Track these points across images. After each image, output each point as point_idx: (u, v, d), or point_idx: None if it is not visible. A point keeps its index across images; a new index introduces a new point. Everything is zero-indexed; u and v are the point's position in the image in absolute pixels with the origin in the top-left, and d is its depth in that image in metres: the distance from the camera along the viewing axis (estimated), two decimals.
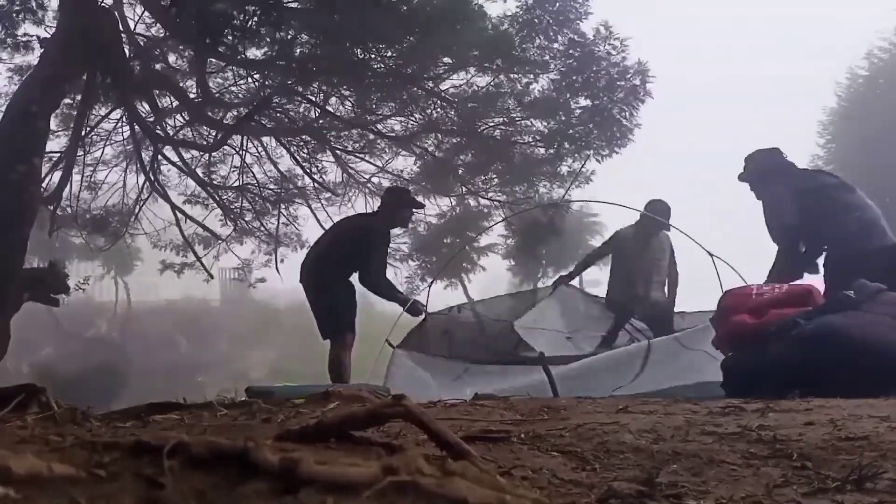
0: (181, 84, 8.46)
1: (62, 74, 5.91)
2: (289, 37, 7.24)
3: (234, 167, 9.82)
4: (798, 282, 4.56)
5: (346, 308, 5.33)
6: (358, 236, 5.40)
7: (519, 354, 5.69)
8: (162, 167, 9.24)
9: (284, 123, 8.94)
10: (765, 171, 4.84)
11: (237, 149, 9.45)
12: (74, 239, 11.91)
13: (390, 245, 7.41)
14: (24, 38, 6.88)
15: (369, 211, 8.35)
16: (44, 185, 7.07)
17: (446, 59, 7.77)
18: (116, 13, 7.15)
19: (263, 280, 11.59)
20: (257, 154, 9.70)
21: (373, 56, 7.53)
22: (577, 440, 1.49)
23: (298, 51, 7.63)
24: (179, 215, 9.56)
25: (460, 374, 5.23)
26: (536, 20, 7.63)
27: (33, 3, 6.70)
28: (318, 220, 10.08)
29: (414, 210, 6.28)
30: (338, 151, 9.84)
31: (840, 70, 17.71)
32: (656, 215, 6.09)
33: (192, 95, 8.36)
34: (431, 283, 8.07)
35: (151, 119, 8.33)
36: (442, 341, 6.04)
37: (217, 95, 8.47)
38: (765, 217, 4.79)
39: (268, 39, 7.12)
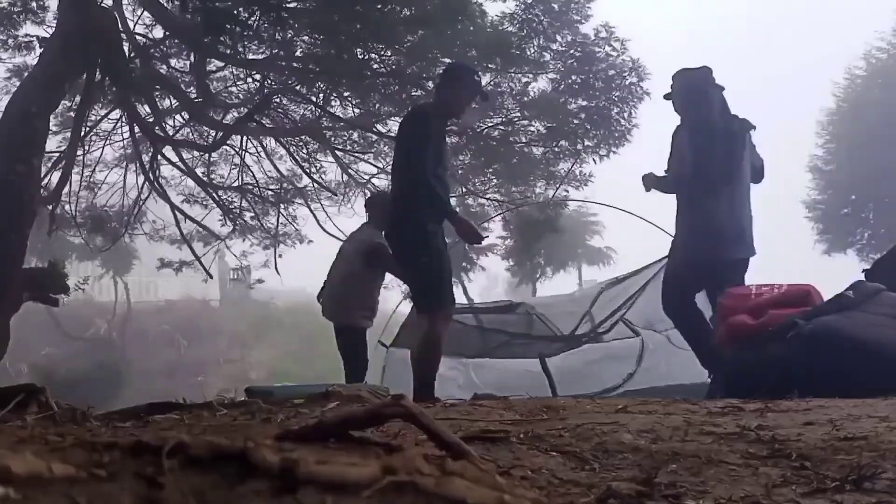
0: (181, 84, 8.45)
1: (62, 74, 5.90)
2: (289, 37, 7.24)
3: (234, 167, 9.83)
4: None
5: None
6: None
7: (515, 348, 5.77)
8: (162, 167, 9.25)
9: (284, 123, 8.93)
10: (692, 89, 4.32)
11: (237, 149, 9.45)
12: (74, 239, 11.89)
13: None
14: (24, 38, 6.88)
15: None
16: (43, 184, 7.06)
17: (446, 59, 7.76)
18: (116, 13, 7.14)
19: (262, 281, 11.60)
20: (257, 154, 9.70)
21: (373, 56, 7.52)
22: (577, 440, 1.49)
23: (299, 51, 7.62)
24: (179, 215, 9.55)
25: (455, 366, 5.30)
26: (536, 20, 7.63)
27: (33, 4, 6.69)
28: (318, 221, 10.08)
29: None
30: (338, 152, 9.83)
31: (838, 70, 17.76)
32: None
33: (192, 95, 8.35)
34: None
35: (151, 119, 8.32)
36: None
37: (217, 95, 8.46)
38: (676, 136, 4.34)
39: (268, 40, 7.11)
